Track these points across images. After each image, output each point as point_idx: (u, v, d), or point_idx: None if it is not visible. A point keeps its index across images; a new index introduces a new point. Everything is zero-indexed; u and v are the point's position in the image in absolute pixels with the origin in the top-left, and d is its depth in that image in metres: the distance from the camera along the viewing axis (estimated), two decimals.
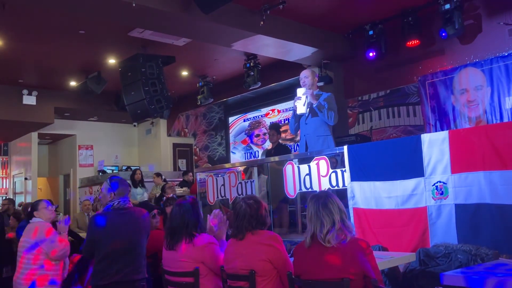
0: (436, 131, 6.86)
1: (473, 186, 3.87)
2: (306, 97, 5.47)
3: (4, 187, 13.60)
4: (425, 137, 4.20)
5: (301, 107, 5.47)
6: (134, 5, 5.67)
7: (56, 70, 9.48)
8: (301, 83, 5.65)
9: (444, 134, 4.11)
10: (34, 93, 10.32)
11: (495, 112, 6.50)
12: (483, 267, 3.19)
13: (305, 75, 5.65)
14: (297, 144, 10.34)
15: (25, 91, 10.23)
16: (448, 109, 7.00)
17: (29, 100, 10.29)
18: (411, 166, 4.22)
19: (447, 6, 6.64)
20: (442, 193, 4.04)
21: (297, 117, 5.61)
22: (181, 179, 10.38)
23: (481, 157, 3.83)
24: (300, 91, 5.52)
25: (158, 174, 9.85)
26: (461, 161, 3.95)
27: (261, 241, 3.09)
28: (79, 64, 9.17)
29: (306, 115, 5.52)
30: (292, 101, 5.66)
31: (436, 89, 7.14)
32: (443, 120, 7.04)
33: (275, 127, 7.57)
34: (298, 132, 5.89)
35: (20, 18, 6.78)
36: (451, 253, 3.75)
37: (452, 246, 3.82)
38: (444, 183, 4.04)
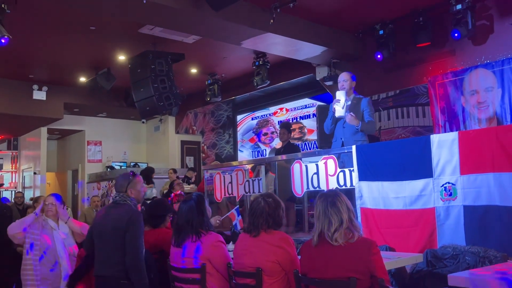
0: (445, 132, 6.81)
1: (482, 188, 3.85)
2: (346, 100, 5.41)
3: (14, 181, 13.70)
4: (435, 138, 4.19)
5: (340, 110, 5.40)
6: (145, 1, 5.69)
7: (66, 66, 9.53)
8: (339, 86, 5.59)
9: (453, 135, 4.10)
10: (44, 88, 10.39)
11: (506, 114, 6.45)
12: (491, 269, 3.17)
13: (344, 79, 5.58)
14: (305, 143, 10.33)
15: (35, 86, 10.30)
16: (458, 110, 6.95)
17: (39, 95, 10.36)
18: (420, 167, 4.20)
19: (459, 6, 6.59)
20: (450, 194, 4.03)
21: (334, 119, 5.56)
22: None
23: (491, 159, 3.81)
24: (339, 94, 5.44)
25: (175, 170, 9.92)
26: (470, 162, 3.93)
27: (273, 242, 3.08)
28: (89, 60, 9.21)
29: (345, 118, 5.45)
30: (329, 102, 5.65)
31: (446, 90, 7.09)
32: (452, 121, 7.00)
33: (285, 126, 7.57)
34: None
35: (31, 14, 6.82)
36: (459, 255, 3.73)
37: (460, 247, 3.80)
38: (453, 184, 4.02)
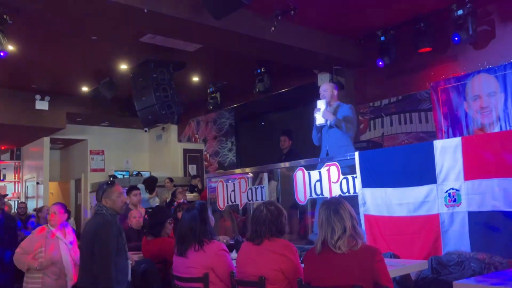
0: (448, 137, 6.78)
1: (486, 193, 3.82)
2: (326, 108, 5.50)
3: (17, 191, 13.71)
4: (438, 144, 4.16)
5: (321, 118, 5.51)
6: (146, 11, 5.71)
7: (68, 76, 9.56)
8: (320, 96, 5.67)
9: (457, 141, 4.07)
10: (47, 98, 10.40)
11: (509, 119, 6.42)
12: (497, 276, 3.14)
13: (324, 89, 5.70)
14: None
15: (37, 96, 10.32)
16: (461, 115, 6.92)
17: (42, 105, 10.38)
18: (423, 173, 4.17)
19: (460, 11, 6.58)
20: (455, 200, 3.99)
21: (318, 128, 5.63)
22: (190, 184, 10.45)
23: (495, 164, 3.78)
24: (320, 103, 5.55)
25: (171, 180, 9.90)
26: (474, 168, 3.90)
27: (276, 249, 3.07)
28: (91, 70, 9.24)
29: (328, 126, 5.52)
30: (314, 111, 5.66)
31: (448, 95, 7.07)
32: (455, 126, 6.97)
33: (287, 133, 7.56)
34: None
35: (33, 24, 6.85)
36: (464, 262, 3.69)
37: (465, 254, 3.77)
38: (457, 190, 3.99)
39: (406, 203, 4.27)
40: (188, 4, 6.13)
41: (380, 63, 7.64)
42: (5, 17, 5.97)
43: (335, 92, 5.71)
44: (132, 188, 6.72)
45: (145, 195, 9.44)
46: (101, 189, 3.73)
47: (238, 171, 6.62)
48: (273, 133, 9.70)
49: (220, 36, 6.85)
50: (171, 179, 9.96)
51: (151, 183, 9.67)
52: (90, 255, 3.51)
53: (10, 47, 7.01)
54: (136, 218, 5.83)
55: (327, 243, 2.73)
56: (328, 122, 5.50)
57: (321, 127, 5.59)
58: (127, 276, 3.66)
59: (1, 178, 13.70)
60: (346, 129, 5.43)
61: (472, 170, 3.91)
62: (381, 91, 8.24)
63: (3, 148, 13.89)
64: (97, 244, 3.49)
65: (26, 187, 13.49)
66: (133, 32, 7.24)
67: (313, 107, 5.70)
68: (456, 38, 6.65)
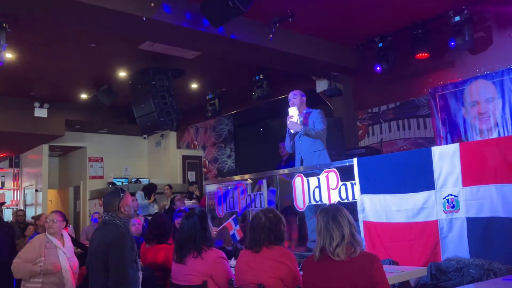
0: (447, 143, 6.80)
1: (485, 199, 3.82)
2: (298, 115, 5.57)
3: (15, 198, 13.68)
4: (436, 150, 4.17)
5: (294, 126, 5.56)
6: (144, 18, 5.73)
7: (67, 83, 9.57)
8: (290, 103, 5.72)
9: (455, 147, 4.07)
10: (46, 105, 10.42)
11: (507, 125, 6.44)
12: (496, 282, 3.14)
13: (293, 96, 5.75)
14: None
15: (36, 104, 10.33)
16: (459, 121, 6.94)
17: (41, 112, 10.39)
18: (422, 179, 4.18)
19: (457, 18, 6.62)
20: (453, 206, 4.00)
21: (291, 136, 5.69)
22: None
23: (493, 170, 3.79)
24: (291, 110, 5.61)
25: (170, 186, 9.89)
26: (472, 174, 3.91)
27: (274, 257, 3.06)
28: (90, 77, 9.25)
29: (300, 133, 5.56)
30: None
31: (446, 101, 7.10)
32: (453, 132, 6.99)
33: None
34: None
35: (31, 32, 6.87)
36: (463, 268, 3.69)
37: (464, 260, 3.76)
38: (455, 196, 3.99)
39: (405, 210, 4.28)
40: (186, 12, 6.16)
41: (378, 69, 7.66)
42: (4, 25, 5.98)
43: (304, 99, 5.77)
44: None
45: (145, 201, 9.44)
46: (117, 197, 3.59)
47: (237, 177, 6.61)
48: (272, 140, 9.69)
49: (219, 43, 6.88)
50: (170, 186, 9.97)
51: (149, 189, 9.68)
52: (102, 266, 3.38)
53: (9, 55, 7.03)
54: (135, 225, 5.82)
55: (325, 251, 2.72)
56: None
57: (294, 134, 5.64)
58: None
59: (0, 186, 13.68)
60: (316, 135, 5.47)
61: (470, 176, 3.92)
62: (379, 97, 8.26)
63: (2, 155, 13.88)
64: (113, 256, 3.36)
65: (25, 195, 13.47)
66: (132, 40, 7.27)
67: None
68: (453, 43, 6.69)
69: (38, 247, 4.61)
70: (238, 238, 5.20)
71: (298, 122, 5.56)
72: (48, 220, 4.73)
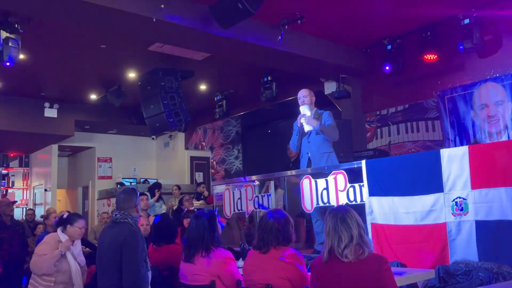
0: (455, 146, 6.77)
1: (494, 202, 3.81)
2: (310, 116, 5.53)
3: (25, 198, 13.79)
4: (445, 152, 4.16)
5: (307, 125, 5.52)
6: (154, 20, 5.77)
7: (77, 84, 9.65)
8: (300, 103, 5.69)
9: (464, 149, 4.06)
10: (56, 106, 10.49)
11: None
12: (506, 286, 3.13)
13: (304, 95, 5.70)
14: None
15: (46, 104, 10.41)
16: (468, 124, 6.91)
17: (51, 113, 10.47)
18: (430, 182, 4.17)
19: (467, 21, 6.60)
20: (462, 209, 3.98)
21: (300, 135, 5.65)
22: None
23: (503, 173, 3.77)
24: (304, 109, 5.57)
25: (179, 187, 9.93)
26: (481, 176, 3.89)
27: (283, 258, 3.07)
28: (100, 78, 9.32)
29: (309, 133, 5.54)
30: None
31: (455, 104, 7.07)
32: (462, 135, 6.96)
33: None
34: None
35: (43, 33, 6.94)
36: (472, 271, 3.67)
37: (473, 263, 3.75)
38: (464, 199, 3.98)
39: (413, 212, 4.27)
40: (196, 13, 6.19)
41: (387, 68, 7.64)
42: (16, 26, 6.04)
43: (314, 98, 5.75)
44: (139, 194, 6.75)
45: (151, 200, 9.49)
46: (134, 196, 3.60)
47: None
48: (279, 141, 9.71)
49: (228, 45, 6.90)
50: (178, 187, 10.01)
51: (152, 188, 9.72)
52: (114, 265, 3.38)
53: (21, 56, 7.10)
54: (144, 225, 5.84)
55: (334, 252, 2.73)
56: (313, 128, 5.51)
57: (303, 134, 5.60)
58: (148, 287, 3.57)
59: (10, 185, 13.80)
60: (329, 134, 5.46)
61: (479, 179, 3.90)
62: (388, 99, 8.24)
63: (12, 155, 13.99)
64: (127, 256, 3.35)
65: (34, 194, 13.57)
66: (141, 41, 7.31)
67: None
68: (461, 47, 6.66)
69: (54, 243, 4.64)
70: (223, 225, 5.10)
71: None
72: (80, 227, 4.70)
